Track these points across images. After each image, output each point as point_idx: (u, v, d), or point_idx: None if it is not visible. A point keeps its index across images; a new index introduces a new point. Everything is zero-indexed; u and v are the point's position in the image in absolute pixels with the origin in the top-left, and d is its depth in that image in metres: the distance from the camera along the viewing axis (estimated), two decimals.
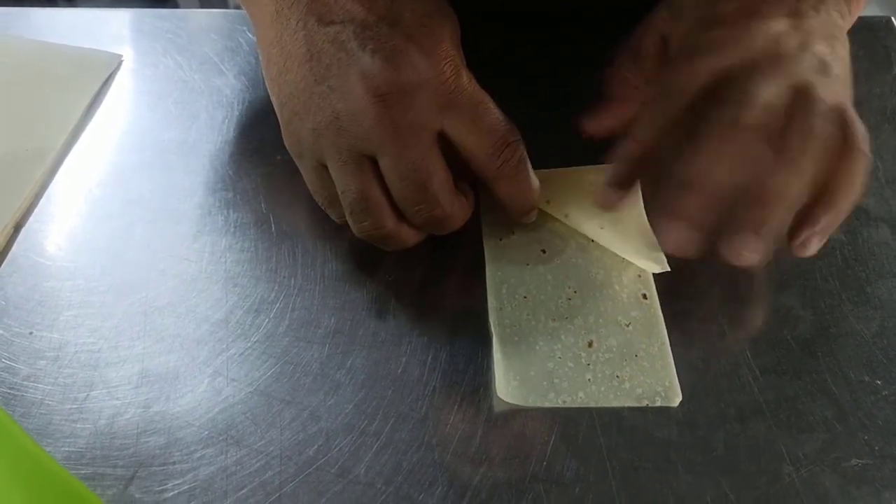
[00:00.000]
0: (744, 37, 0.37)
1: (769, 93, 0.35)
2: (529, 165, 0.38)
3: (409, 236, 0.38)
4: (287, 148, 0.39)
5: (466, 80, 0.36)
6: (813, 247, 0.37)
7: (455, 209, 0.37)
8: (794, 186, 0.35)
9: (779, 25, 0.37)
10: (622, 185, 0.38)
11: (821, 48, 0.37)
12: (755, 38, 0.37)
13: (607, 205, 0.39)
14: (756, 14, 0.38)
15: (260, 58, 0.41)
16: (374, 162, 0.36)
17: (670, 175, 0.36)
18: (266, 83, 0.40)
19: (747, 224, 0.35)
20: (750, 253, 0.35)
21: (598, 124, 0.42)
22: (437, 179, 0.36)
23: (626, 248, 0.40)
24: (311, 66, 0.36)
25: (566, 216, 0.42)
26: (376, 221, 0.37)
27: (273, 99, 0.39)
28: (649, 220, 0.38)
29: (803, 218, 0.36)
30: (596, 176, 0.42)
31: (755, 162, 0.35)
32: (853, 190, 0.36)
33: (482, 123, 0.36)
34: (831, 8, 0.39)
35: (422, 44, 0.36)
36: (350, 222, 0.38)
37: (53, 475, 0.29)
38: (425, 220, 0.37)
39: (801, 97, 0.35)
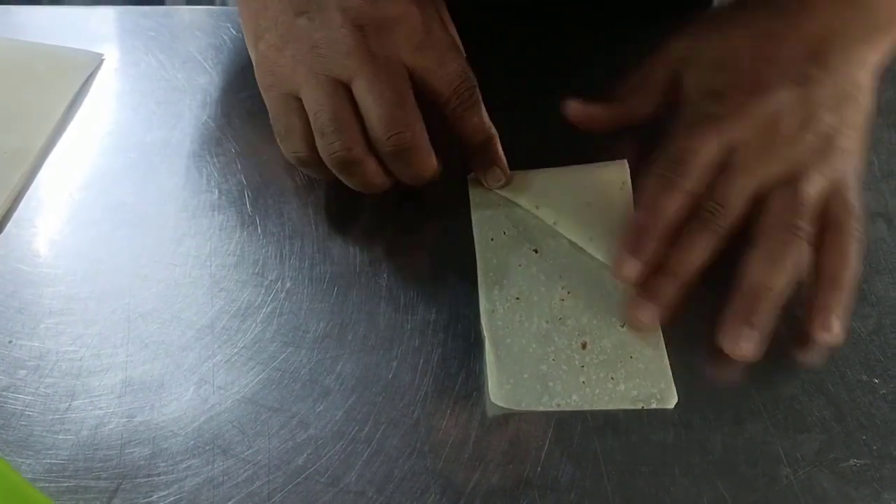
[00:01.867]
0: (745, 116, 0.39)
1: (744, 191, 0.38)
2: (483, 107, 0.40)
3: (376, 174, 0.39)
4: (258, 81, 0.41)
5: (439, 25, 0.40)
6: (835, 328, 0.37)
7: (424, 142, 0.38)
8: (782, 281, 0.37)
9: (783, 97, 0.39)
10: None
11: (827, 120, 0.39)
12: (756, 117, 0.39)
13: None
14: (761, 86, 0.39)
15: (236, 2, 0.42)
16: (348, 89, 0.38)
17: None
18: (242, 24, 0.42)
19: (738, 317, 0.37)
20: (747, 344, 0.36)
21: (582, 111, 0.43)
22: (409, 103, 0.38)
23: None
24: (290, 0, 0.39)
25: (555, 223, 0.41)
26: (345, 143, 0.37)
27: (248, 36, 0.42)
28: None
29: (813, 305, 0.38)
30: (583, 175, 0.42)
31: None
32: (848, 268, 0.38)
33: (447, 67, 0.39)
34: (851, 59, 0.40)
35: None
36: (320, 147, 0.38)
37: (19, 495, 0.28)
38: (394, 145, 0.37)
39: (790, 190, 0.38)
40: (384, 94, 0.37)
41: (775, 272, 0.37)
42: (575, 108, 0.43)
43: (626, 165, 0.42)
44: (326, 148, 0.38)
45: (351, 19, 0.38)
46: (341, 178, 0.39)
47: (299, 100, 0.39)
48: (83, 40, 0.48)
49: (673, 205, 0.38)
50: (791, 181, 0.38)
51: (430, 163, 0.39)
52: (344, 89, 0.38)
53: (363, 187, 0.39)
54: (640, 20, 0.50)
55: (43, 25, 0.50)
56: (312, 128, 0.38)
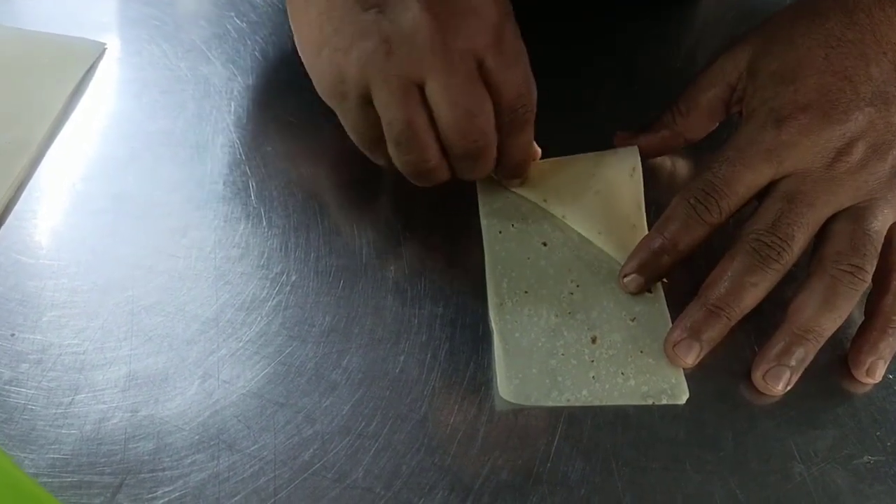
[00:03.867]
0: (809, 145, 0.36)
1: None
2: (532, 128, 0.38)
3: (446, 175, 0.38)
4: (325, 96, 0.38)
5: (513, 25, 0.36)
6: (879, 373, 0.36)
7: (493, 145, 0.37)
8: (834, 325, 0.35)
9: (856, 123, 0.35)
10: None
11: None
12: (821, 146, 0.35)
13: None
14: (832, 109, 0.36)
15: (288, 11, 0.39)
16: (422, 91, 0.35)
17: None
18: (296, 36, 0.39)
19: (780, 358, 0.35)
20: (783, 385, 0.35)
21: (628, 142, 0.41)
22: (485, 108, 0.36)
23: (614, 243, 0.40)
24: None
25: (563, 217, 0.40)
26: (421, 154, 0.36)
27: (309, 47, 0.38)
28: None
29: (861, 345, 0.36)
30: (592, 163, 0.41)
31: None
32: None
33: (515, 73, 0.36)
34: None
35: None
36: (393, 155, 0.37)
37: (21, 490, 0.28)
38: (467, 151, 0.36)
39: (855, 223, 0.35)
40: (459, 103, 0.35)
41: (828, 316, 0.35)
42: (620, 139, 0.42)
43: (637, 151, 0.41)
44: (401, 158, 0.37)
45: (428, 8, 0.34)
46: (410, 179, 0.38)
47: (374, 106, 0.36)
48: (85, 29, 0.48)
49: (693, 241, 0.37)
50: (856, 213, 0.35)
51: (492, 164, 0.38)
52: (417, 91, 0.35)
53: (426, 183, 0.38)
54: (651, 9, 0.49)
55: (45, 14, 0.49)
56: (385, 136, 0.36)
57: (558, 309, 0.38)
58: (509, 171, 0.40)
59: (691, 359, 0.35)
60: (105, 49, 0.47)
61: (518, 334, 0.37)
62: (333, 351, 0.36)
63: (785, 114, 0.36)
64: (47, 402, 0.34)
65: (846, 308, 0.35)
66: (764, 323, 0.37)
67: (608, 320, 0.37)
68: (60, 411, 0.33)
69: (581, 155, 0.42)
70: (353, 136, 0.38)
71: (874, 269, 0.35)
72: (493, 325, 0.37)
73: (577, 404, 0.35)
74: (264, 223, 0.40)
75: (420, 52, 0.34)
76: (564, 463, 0.33)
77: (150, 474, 0.32)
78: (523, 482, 0.33)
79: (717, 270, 0.36)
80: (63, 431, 0.33)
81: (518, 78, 0.36)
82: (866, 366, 0.36)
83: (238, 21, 0.49)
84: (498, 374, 0.35)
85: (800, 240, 0.35)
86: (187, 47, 0.48)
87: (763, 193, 0.37)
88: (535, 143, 0.40)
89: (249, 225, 0.40)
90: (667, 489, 0.33)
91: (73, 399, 0.34)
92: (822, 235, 0.36)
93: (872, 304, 0.36)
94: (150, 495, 0.31)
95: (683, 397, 0.35)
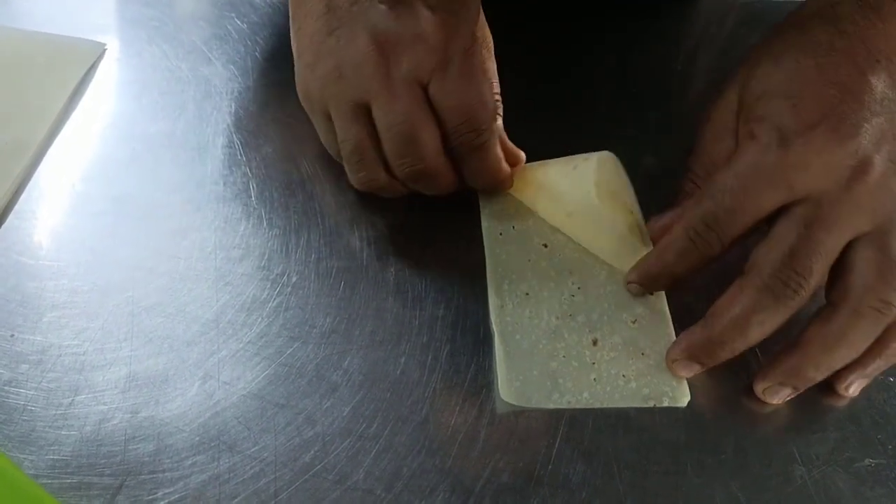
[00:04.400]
0: (818, 164, 0.32)
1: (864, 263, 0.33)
2: (492, 152, 0.38)
3: (399, 188, 0.39)
4: (302, 103, 0.40)
5: (467, 47, 0.36)
6: (858, 389, 0.35)
7: (440, 167, 0.37)
8: (846, 359, 0.34)
9: (863, 135, 0.32)
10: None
11: None
12: (832, 162, 0.32)
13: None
14: (836, 121, 0.33)
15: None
16: (370, 113, 0.37)
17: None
18: (292, 40, 0.41)
19: (786, 380, 0.35)
20: (782, 399, 0.35)
21: (658, 227, 0.39)
22: (423, 134, 0.36)
23: (604, 248, 0.39)
24: (326, 19, 0.37)
25: (558, 225, 0.40)
26: (370, 173, 0.38)
27: (294, 52, 0.40)
28: None
29: (854, 365, 0.34)
30: (574, 170, 0.40)
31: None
32: None
33: (466, 94, 0.36)
34: None
35: (428, 2, 0.36)
36: (347, 170, 0.39)
37: (22, 492, 0.28)
38: (408, 175, 0.38)
39: (878, 250, 0.32)
40: (396, 126, 0.36)
41: (844, 353, 0.33)
42: (655, 225, 0.39)
43: (614, 156, 0.40)
44: (353, 176, 0.39)
45: (374, 37, 0.36)
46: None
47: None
48: (85, 30, 0.48)
49: (693, 269, 0.35)
50: (878, 239, 0.33)
51: (447, 184, 0.39)
52: (365, 114, 0.37)
53: (389, 196, 0.40)
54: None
55: (44, 14, 0.49)
56: (341, 153, 0.39)
57: (559, 311, 0.38)
58: (479, 187, 0.40)
59: (689, 374, 0.35)
60: (105, 50, 0.47)
61: (519, 336, 0.37)
62: (334, 352, 0.36)
63: (789, 132, 0.33)
64: (47, 403, 0.33)
65: (866, 344, 0.33)
66: None
67: (609, 322, 0.37)
68: (60, 412, 0.33)
69: (564, 159, 0.41)
70: (325, 145, 0.41)
71: None
72: (494, 327, 0.37)
73: (578, 406, 0.35)
74: (265, 224, 0.40)
75: (365, 79, 0.36)
76: (565, 465, 0.33)
77: (151, 476, 0.32)
78: (524, 484, 0.33)
79: (725, 299, 0.34)
80: (63, 432, 0.33)
81: (465, 102, 0.36)
82: (848, 382, 0.35)
83: (238, 22, 0.49)
84: (499, 376, 0.35)
85: (818, 272, 0.32)
86: (187, 48, 0.47)
87: (773, 215, 0.34)
88: (513, 150, 0.40)
89: (250, 226, 0.40)
90: (668, 492, 0.33)
91: (73, 400, 0.34)
92: (842, 263, 0.33)
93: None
94: (150, 497, 0.31)
95: (685, 400, 0.35)
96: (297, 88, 0.40)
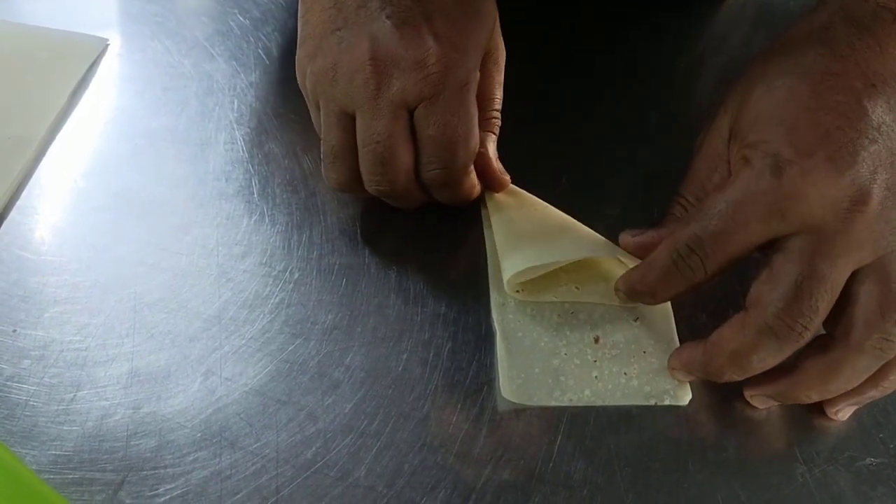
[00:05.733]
0: (812, 194, 0.31)
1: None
2: (460, 189, 0.38)
3: (369, 194, 0.39)
4: (298, 82, 0.40)
5: (457, 84, 0.36)
6: (847, 415, 0.35)
7: (409, 190, 0.38)
8: (839, 391, 0.34)
9: (860, 163, 0.31)
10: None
11: None
12: (827, 192, 0.31)
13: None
14: (831, 147, 0.31)
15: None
16: (354, 121, 0.37)
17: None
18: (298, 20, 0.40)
19: (776, 398, 0.35)
20: (764, 407, 0.36)
21: (634, 242, 0.37)
22: (397, 159, 0.36)
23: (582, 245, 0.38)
24: (332, 13, 0.37)
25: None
26: (340, 177, 0.38)
27: (298, 36, 0.40)
28: None
29: (850, 393, 0.34)
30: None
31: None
32: None
33: (444, 131, 0.36)
34: None
35: (436, 28, 0.36)
36: (322, 165, 0.39)
37: (25, 486, 0.28)
38: (376, 192, 0.38)
39: (880, 282, 0.31)
40: (372, 144, 0.36)
41: (839, 382, 0.32)
42: (627, 240, 0.37)
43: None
44: (325, 173, 0.39)
45: (373, 51, 0.35)
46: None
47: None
48: (88, 25, 0.48)
49: (671, 291, 0.34)
50: (880, 270, 0.31)
51: (414, 205, 0.39)
52: (349, 121, 0.37)
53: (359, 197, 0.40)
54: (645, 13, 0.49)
55: (47, 10, 0.49)
56: (321, 147, 0.39)
57: (561, 308, 0.38)
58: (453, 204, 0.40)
59: (688, 380, 0.36)
60: (107, 45, 0.47)
61: (520, 334, 0.37)
62: (336, 349, 0.36)
63: (783, 160, 0.31)
64: (49, 399, 0.33)
65: (863, 378, 0.33)
66: None
67: (611, 320, 0.37)
68: (62, 408, 0.33)
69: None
70: (314, 126, 0.40)
71: None
72: (496, 325, 0.37)
73: (580, 404, 0.35)
74: (267, 221, 0.40)
75: (355, 89, 0.36)
76: (567, 463, 0.33)
77: (152, 471, 0.32)
78: (526, 482, 0.33)
79: (727, 331, 0.33)
80: (65, 428, 0.33)
81: (446, 137, 0.36)
82: (839, 408, 0.35)
83: (241, 18, 0.49)
84: (500, 373, 0.35)
85: (824, 310, 0.31)
86: (190, 44, 0.47)
87: (768, 246, 0.32)
88: (499, 176, 0.39)
89: (252, 222, 0.40)
90: (669, 490, 0.33)
91: (75, 396, 0.34)
92: (842, 293, 0.32)
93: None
94: (151, 492, 0.31)
95: (686, 398, 0.35)
96: (296, 69, 0.40)
